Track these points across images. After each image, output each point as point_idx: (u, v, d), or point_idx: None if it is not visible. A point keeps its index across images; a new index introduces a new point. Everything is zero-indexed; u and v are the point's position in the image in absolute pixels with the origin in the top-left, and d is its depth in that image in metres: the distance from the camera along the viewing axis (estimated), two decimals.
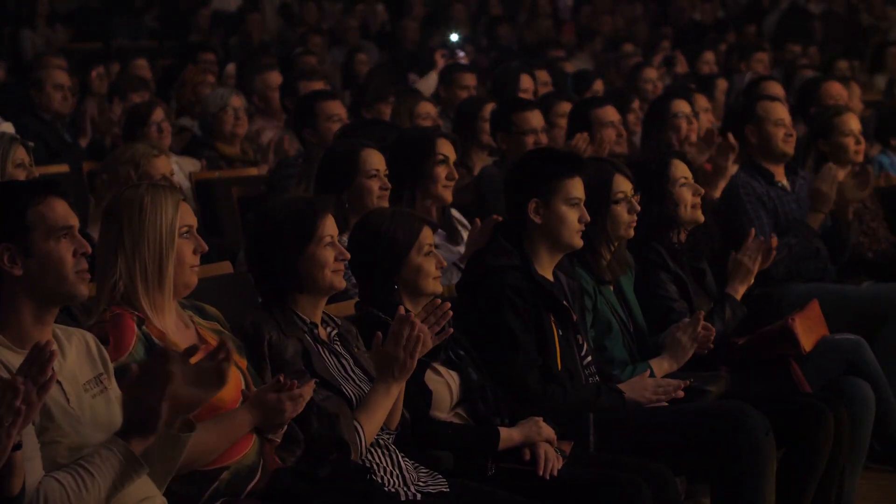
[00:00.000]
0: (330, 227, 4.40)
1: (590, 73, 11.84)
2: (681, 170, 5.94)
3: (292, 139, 8.31)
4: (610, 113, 7.70)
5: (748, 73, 11.99)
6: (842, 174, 7.13)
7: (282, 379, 3.88)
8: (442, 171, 5.97)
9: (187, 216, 4.05)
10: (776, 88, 9.26)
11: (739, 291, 5.94)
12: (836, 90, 9.02)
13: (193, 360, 3.54)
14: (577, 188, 5.13)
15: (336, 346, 4.44)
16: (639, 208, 5.54)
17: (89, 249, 3.62)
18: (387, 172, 5.77)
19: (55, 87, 9.21)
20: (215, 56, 12.61)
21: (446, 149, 6.00)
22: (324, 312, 4.48)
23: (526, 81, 9.51)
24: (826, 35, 17.54)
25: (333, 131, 7.50)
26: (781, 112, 7.15)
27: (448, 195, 6.03)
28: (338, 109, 7.76)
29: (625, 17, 17.44)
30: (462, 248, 6.13)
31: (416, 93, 8.99)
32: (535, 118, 7.40)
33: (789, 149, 7.10)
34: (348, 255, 4.43)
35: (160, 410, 3.41)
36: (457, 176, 6.05)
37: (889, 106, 8.75)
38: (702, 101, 8.70)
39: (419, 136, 6.24)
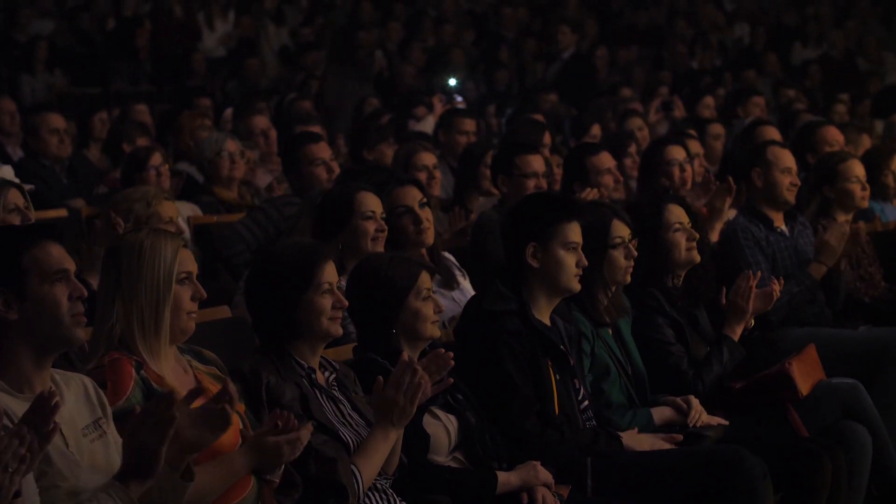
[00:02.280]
0: (329, 274, 4.41)
1: (586, 117, 11.87)
2: (675, 214, 5.96)
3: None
4: (606, 159, 7.71)
5: (747, 119, 12.02)
6: (844, 220, 7.17)
7: (279, 423, 3.89)
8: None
9: (187, 262, 4.06)
10: (773, 133, 9.29)
11: (737, 332, 5.94)
12: (833, 135, 9.03)
13: (196, 404, 3.56)
14: (574, 232, 5.14)
15: (334, 391, 4.44)
16: (636, 253, 5.55)
17: (85, 293, 3.63)
18: (383, 215, 5.79)
19: (50, 131, 9.24)
20: (211, 101, 12.65)
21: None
22: (322, 357, 4.49)
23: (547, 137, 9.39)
24: (823, 79, 17.61)
25: (317, 175, 7.49)
26: (790, 161, 7.16)
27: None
28: (323, 153, 7.74)
29: (621, 62, 17.50)
30: (457, 294, 6.11)
31: (417, 139, 9.02)
32: (537, 162, 7.40)
33: (792, 198, 7.11)
34: (346, 303, 4.44)
35: (160, 454, 3.42)
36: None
37: (872, 152, 8.75)
38: (693, 145, 8.73)
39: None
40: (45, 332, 3.57)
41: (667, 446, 5.20)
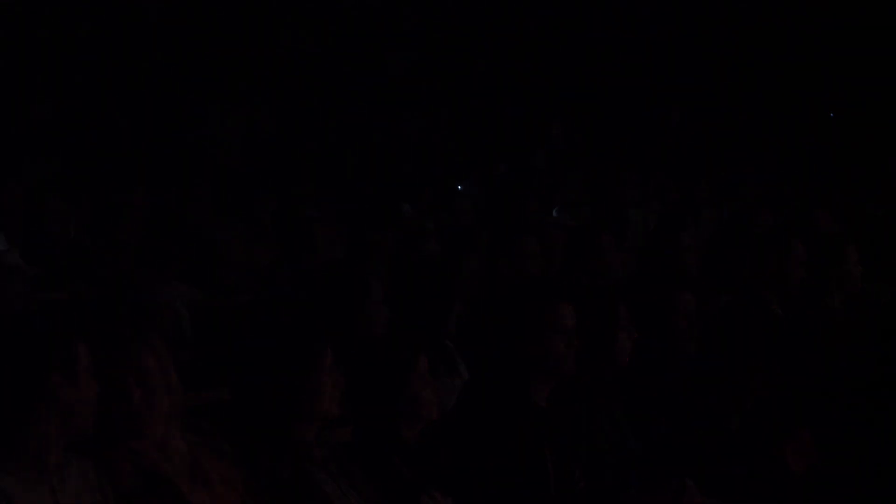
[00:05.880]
0: (331, 353, 4.45)
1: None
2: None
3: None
4: (607, 240, 7.78)
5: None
6: None
7: None
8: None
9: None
10: None
11: None
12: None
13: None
14: (568, 316, 5.16)
15: (331, 468, 4.46)
16: (636, 335, 5.60)
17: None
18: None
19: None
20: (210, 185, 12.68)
21: None
22: (319, 436, 4.52)
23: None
24: None
25: (332, 254, 7.61)
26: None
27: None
28: (334, 232, 7.92)
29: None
30: (458, 383, 6.12)
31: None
32: (532, 244, 7.47)
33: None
34: (344, 382, 4.49)
35: None
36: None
37: None
38: None
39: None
40: None
41: None
